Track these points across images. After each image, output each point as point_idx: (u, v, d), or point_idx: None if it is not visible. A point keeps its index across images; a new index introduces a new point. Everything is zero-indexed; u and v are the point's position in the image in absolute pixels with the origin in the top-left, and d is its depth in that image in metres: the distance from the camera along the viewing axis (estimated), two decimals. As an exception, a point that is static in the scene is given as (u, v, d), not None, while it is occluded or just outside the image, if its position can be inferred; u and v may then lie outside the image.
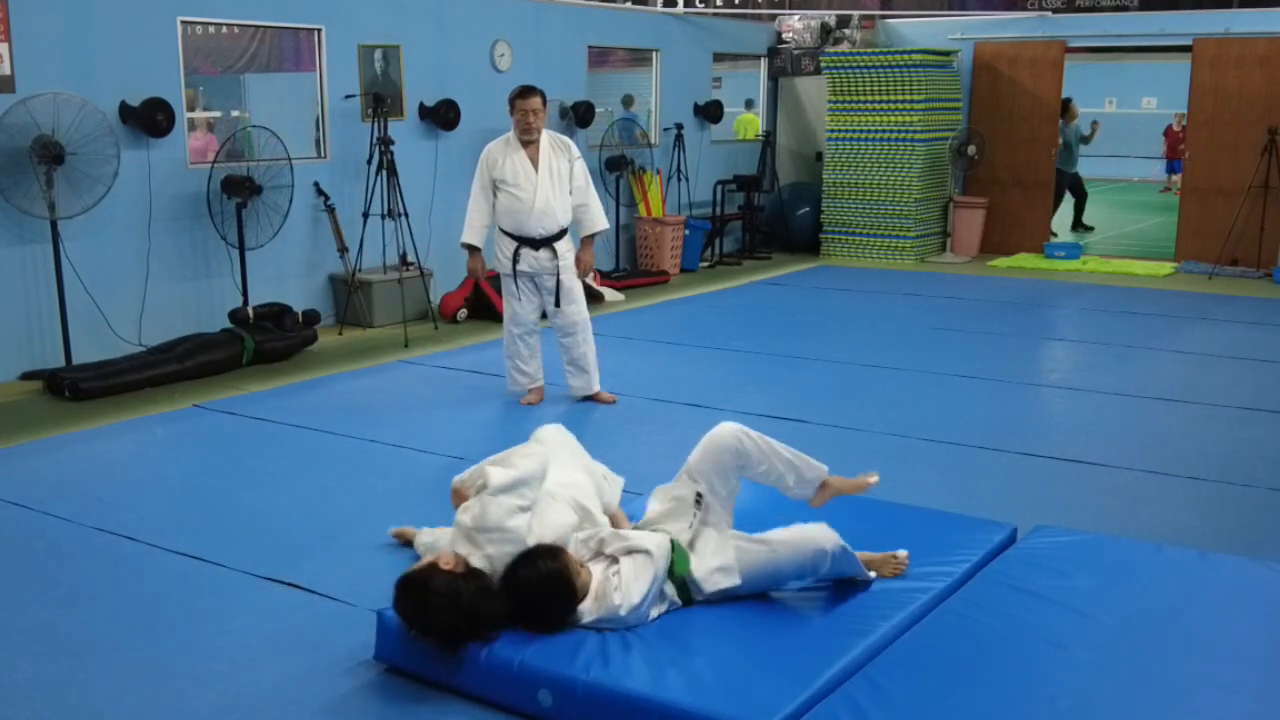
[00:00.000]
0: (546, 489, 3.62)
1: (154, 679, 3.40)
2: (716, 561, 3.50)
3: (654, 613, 3.41)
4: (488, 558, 3.37)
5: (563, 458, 3.90)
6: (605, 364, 6.61)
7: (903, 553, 3.78)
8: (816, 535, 3.51)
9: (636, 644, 3.25)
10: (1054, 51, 12.02)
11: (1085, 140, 14.06)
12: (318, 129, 9.09)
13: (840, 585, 3.62)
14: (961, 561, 3.82)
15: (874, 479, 3.86)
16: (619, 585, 3.36)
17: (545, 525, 3.53)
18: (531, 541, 3.43)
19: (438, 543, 3.82)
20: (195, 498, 4.92)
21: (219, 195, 7.50)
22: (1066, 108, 12.93)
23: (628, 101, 13.07)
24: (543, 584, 3.31)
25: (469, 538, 3.40)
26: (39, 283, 6.85)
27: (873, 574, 3.67)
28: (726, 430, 3.63)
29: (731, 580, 3.48)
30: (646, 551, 3.43)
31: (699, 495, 3.58)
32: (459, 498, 3.75)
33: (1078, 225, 14.81)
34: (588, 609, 3.36)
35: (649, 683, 3.03)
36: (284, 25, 8.56)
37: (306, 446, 5.65)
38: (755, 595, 3.55)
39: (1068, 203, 14.32)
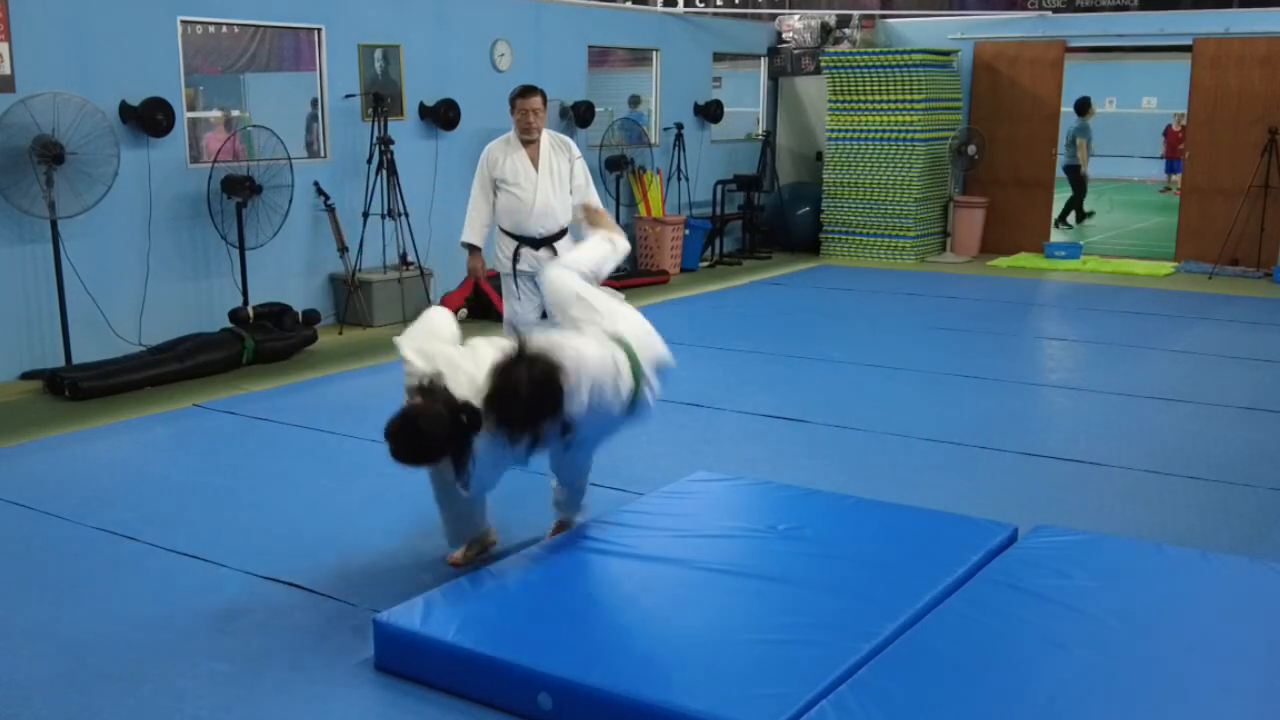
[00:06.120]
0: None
1: (154, 679, 3.40)
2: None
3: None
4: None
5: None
6: (605, 364, 6.60)
7: None
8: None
9: (636, 645, 3.25)
10: (1054, 51, 12.01)
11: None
12: (308, 131, 9.09)
13: (836, 586, 3.63)
14: (961, 561, 3.83)
15: None
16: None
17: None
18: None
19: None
20: (195, 498, 4.92)
21: (219, 195, 7.49)
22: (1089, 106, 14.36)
23: (634, 101, 13.07)
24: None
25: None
26: (39, 283, 6.85)
27: None
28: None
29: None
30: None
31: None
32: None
33: (1080, 218, 15.23)
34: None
35: (649, 684, 3.02)
36: (284, 25, 8.56)
37: (306, 446, 5.65)
38: (754, 591, 3.57)
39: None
